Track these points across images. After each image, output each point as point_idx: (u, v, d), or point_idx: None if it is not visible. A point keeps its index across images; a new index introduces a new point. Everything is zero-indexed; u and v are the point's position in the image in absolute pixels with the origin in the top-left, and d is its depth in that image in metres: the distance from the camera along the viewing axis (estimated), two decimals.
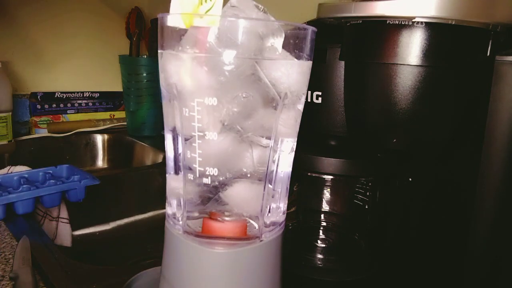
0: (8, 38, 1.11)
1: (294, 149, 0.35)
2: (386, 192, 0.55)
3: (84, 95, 1.25)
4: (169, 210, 0.35)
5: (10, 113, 0.99)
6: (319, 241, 0.59)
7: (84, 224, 0.83)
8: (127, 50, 1.18)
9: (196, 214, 0.33)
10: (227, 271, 0.32)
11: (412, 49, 0.38)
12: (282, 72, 0.31)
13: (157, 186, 0.93)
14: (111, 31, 1.28)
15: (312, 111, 0.48)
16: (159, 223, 0.41)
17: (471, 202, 0.44)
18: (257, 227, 0.33)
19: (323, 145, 0.52)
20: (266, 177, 0.32)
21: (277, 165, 0.33)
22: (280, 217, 0.35)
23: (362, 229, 0.59)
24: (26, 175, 0.70)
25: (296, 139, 0.34)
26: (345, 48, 0.45)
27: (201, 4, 0.28)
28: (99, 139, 1.20)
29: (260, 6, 0.32)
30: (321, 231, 0.60)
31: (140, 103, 1.15)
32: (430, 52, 0.38)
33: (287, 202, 0.36)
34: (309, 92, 0.48)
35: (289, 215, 0.47)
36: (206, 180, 0.31)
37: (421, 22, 0.38)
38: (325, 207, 0.61)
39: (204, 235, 0.33)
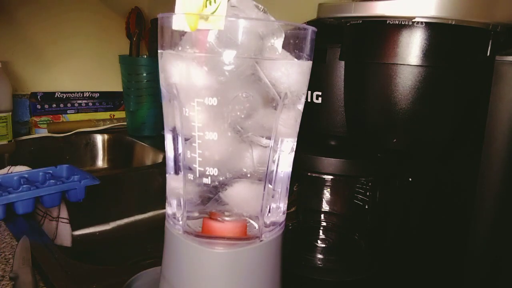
0: (8, 38, 1.11)
1: (294, 149, 0.35)
2: (386, 192, 0.55)
3: (84, 95, 1.25)
4: (169, 210, 0.35)
5: (10, 113, 0.99)
6: (319, 241, 0.59)
7: (84, 224, 0.82)
8: (127, 50, 1.18)
9: (196, 214, 0.33)
10: (227, 271, 0.32)
11: (412, 49, 0.38)
12: (282, 72, 0.31)
13: (157, 186, 0.93)
14: (111, 31, 1.28)
15: (312, 111, 0.48)
16: (159, 223, 0.41)
17: (471, 202, 0.44)
18: (257, 227, 0.33)
19: (323, 145, 0.52)
20: (266, 177, 0.32)
21: (277, 165, 0.33)
22: (280, 217, 0.35)
23: (362, 229, 0.59)
24: (26, 175, 0.70)
25: (296, 139, 0.34)
26: (345, 48, 0.45)
27: (205, 6, 0.28)
28: (99, 139, 1.20)
29: (260, 6, 0.32)
30: (321, 231, 0.60)
31: (140, 103, 1.15)
32: (430, 52, 0.38)
33: (287, 202, 0.36)
34: (309, 92, 0.48)
35: (289, 215, 0.47)
36: (206, 180, 0.31)
37: (421, 22, 0.38)
38: (325, 207, 0.61)
39: (204, 235, 0.33)
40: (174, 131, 0.32)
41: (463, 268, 0.46)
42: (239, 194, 0.32)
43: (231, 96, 0.30)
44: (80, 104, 1.25)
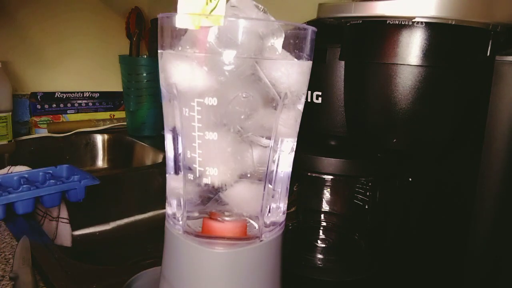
0: (8, 38, 1.11)
1: (294, 149, 0.35)
2: (386, 192, 0.55)
3: (84, 95, 1.25)
4: (169, 210, 0.35)
5: (10, 113, 0.99)
6: (319, 241, 0.59)
7: (84, 224, 0.82)
8: (127, 50, 1.18)
9: (196, 214, 0.33)
10: (227, 271, 0.32)
11: (412, 49, 0.38)
12: (282, 72, 0.31)
13: (157, 186, 0.93)
14: (111, 31, 1.28)
15: (312, 111, 0.48)
16: (159, 223, 0.41)
17: (471, 202, 0.44)
18: (257, 227, 0.33)
19: (323, 145, 0.52)
20: (266, 177, 0.32)
21: (277, 165, 0.33)
22: (280, 217, 0.35)
23: (362, 229, 0.59)
24: (26, 175, 0.70)
25: (296, 139, 0.34)
26: (345, 48, 0.45)
27: (207, 4, 0.28)
28: (99, 139, 1.20)
29: (260, 6, 0.32)
30: (321, 231, 0.60)
31: (140, 103, 1.15)
32: (430, 52, 0.38)
33: (287, 202, 0.36)
34: (309, 92, 0.48)
35: (289, 215, 0.47)
36: (206, 180, 0.31)
37: (421, 22, 0.38)
38: (325, 207, 0.61)
39: (204, 235, 0.33)
40: (174, 131, 0.32)
41: (463, 268, 0.46)
42: (239, 194, 0.32)
43: (231, 96, 0.30)
44: (80, 104, 1.25)
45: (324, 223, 0.60)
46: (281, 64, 0.31)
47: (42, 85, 1.18)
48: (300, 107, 0.33)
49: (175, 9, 0.29)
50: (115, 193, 0.88)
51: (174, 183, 0.34)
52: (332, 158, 0.47)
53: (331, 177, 0.55)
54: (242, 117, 0.30)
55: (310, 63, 0.33)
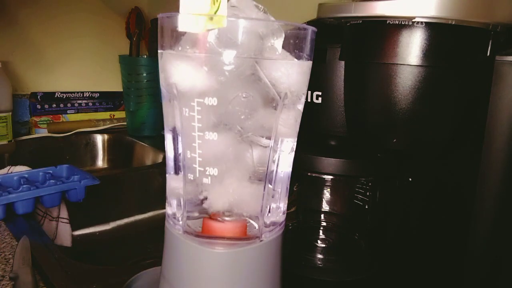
0: (8, 38, 1.11)
1: (294, 149, 0.35)
2: (386, 192, 0.55)
3: (84, 95, 1.25)
4: (169, 210, 0.35)
5: (10, 113, 0.99)
6: (319, 241, 0.59)
7: (84, 224, 0.82)
8: (127, 50, 1.18)
9: (196, 214, 0.33)
10: (227, 271, 0.32)
11: (412, 49, 0.38)
12: (282, 72, 0.31)
13: (157, 186, 0.93)
14: (111, 31, 1.28)
15: (312, 111, 0.48)
16: (159, 223, 0.41)
17: (471, 202, 0.44)
18: (257, 227, 0.33)
19: (323, 145, 0.52)
20: (266, 177, 0.32)
21: (277, 165, 0.33)
22: (280, 217, 0.35)
23: (362, 229, 0.59)
24: (26, 175, 0.70)
25: (296, 139, 0.34)
26: (345, 48, 0.45)
27: (211, 7, 0.28)
28: (99, 139, 1.20)
29: (260, 6, 0.32)
30: (321, 231, 0.60)
31: (140, 103, 1.15)
32: (430, 52, 0.38)
33: (287, 202, 0.36)
34: (309, 92, 0.48)
35: (289, 215, 0.47)
36: (206, 180, 0.31)
37: (421, 22, 0.38)
38: (325, 207, 0.61)
39: (204, 235, 0.33)
40: (174, 131, 0.32)
41: (463, 268, 0.46)
42: (239, 194, 0.32)
43: (231, 96, 0.30)
44: (80, 104, 1.25)
45: (324, 223, 0.60)
46: (281, 64, 0.31)
47: (42, 85, 1.18)
48: (300, 107, 0.33)
49: (175, 9, 0.29)
50: (115, 193, 0.88)
51: (174, 183, 0.34)
52: (332, 158, 0.47)
53: (331, 177, 0.55)
54: (242, 117, 0.30)
55: (310, 63, 0.33)
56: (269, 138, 0.32)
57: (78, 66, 1.24)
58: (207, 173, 0.31)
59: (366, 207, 0.56)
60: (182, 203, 0.33)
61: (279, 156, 0.33)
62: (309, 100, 0.48)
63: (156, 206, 0.93)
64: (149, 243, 0.81)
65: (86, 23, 1.23)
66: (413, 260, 0.54)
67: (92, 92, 1.26)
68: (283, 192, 0.35)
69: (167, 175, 0.35)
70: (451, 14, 0.37)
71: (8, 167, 0.73)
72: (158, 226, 0.47)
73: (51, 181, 0.68)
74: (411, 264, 0.53)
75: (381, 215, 0.57)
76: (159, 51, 0.32)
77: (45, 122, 1.17)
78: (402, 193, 0.54)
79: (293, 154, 0.35)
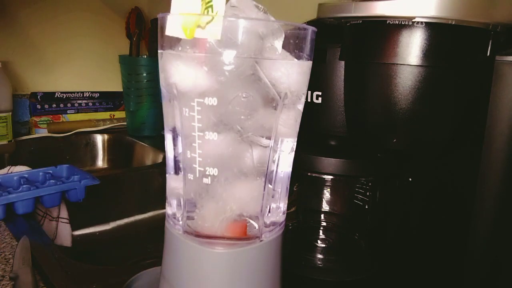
0: (8, 38, 1.11)
1: (294, 149, 0.35)
2: (386, 192, 0.55)
3: (84, 95, 1.25)
4: (169, 210, 0.35)
5: (10, 113, 0.99)
6: (319, 241, 0.59)
7: (84, 224, 0.82)
8: (127, 50, 1.18)
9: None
10: (227, 271, 0.32)
11: (412, 49, 0.38)
12: (282, 72, 0.31)
13: (157, 186, 0.93)
14: (111, 31, 1.28)
15: (312, 111, 0.48)
16: (159, 223, 0.41)
17: (471, 202, 0.44)
18: (257, 227, 0.33)
19: (323, 145, 0.52)
20: (266, 177, 0.32)
21: (277, 165, 0.33)
22: (280, 217, 0.35)
23: (362, 229, 0.59)
24: (26, 175, 0.70)
25: (296, 139, 0.34)
26: (345, 48, 0.45)
27: (204, 14, 0.28)
28: (99, 139, 1.20)
29: (260, 6, 0.32)
30: (321, 231, 0.60)
31: (140, 103, 1.15)
32: (430, 52, 0.38)
33: (287, 202, 0.36)
34: (309, 92, 0.48)
35: (289, 215, 0.47)
36: (206, 180, 0.31)
37: (421, 22, 0.38)
38: (325, 207, 0.61)
39: (204, 235, 0.33)
40: (174, 131, 0.32)
41: (463, 268, 0.46)
42: (239, 194, 0.32)
43: (231, 96, 0.30)
44: (80, 104, 1.25)
45: (324, 223, 0.60)
46: (281, 64, 0.31)
47: (42, 85, 1.18)
48: (300, 107, 0.33)
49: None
50: (115, 193, 0.88)
51: (174, 183, 0.34)
52: (332, 158, 0.47)
53: (331, 177, 0.55)
54: (242, 117, 0.30)
55: (310, 63, 0.33)
56: (269, 138, 0.32)
57: (78, 66, 1.24)
58: (207, 173, 0.31)
59: (366, 207, 0.56)
60: (182, 203, 0.33)
61: (279, 156, 0.33)
62: (309, 100, 0.48)
63: (156, 206, 0.93)
64: (149, 243, 0.81)
65: (86, 23, 1.23)
66: (413, 260, 0.54)
67: (92, 92, 1.26)
68: (283, 192, 0.35)
69: (167, 175, 0.35)
70: (451, 14, 0.37)
71: (8, 167, 0.73)
72: (158, 226, 0.47)
73: (51, 181, 0.68)
74: (411, 264, 0.53)
75: (381, 215, 0.57)
76: (159, 51, 0.32)
77: (45, 122, 1.17)
78: (402, 193, 0.54)
79: (293, 154, 0.35)
